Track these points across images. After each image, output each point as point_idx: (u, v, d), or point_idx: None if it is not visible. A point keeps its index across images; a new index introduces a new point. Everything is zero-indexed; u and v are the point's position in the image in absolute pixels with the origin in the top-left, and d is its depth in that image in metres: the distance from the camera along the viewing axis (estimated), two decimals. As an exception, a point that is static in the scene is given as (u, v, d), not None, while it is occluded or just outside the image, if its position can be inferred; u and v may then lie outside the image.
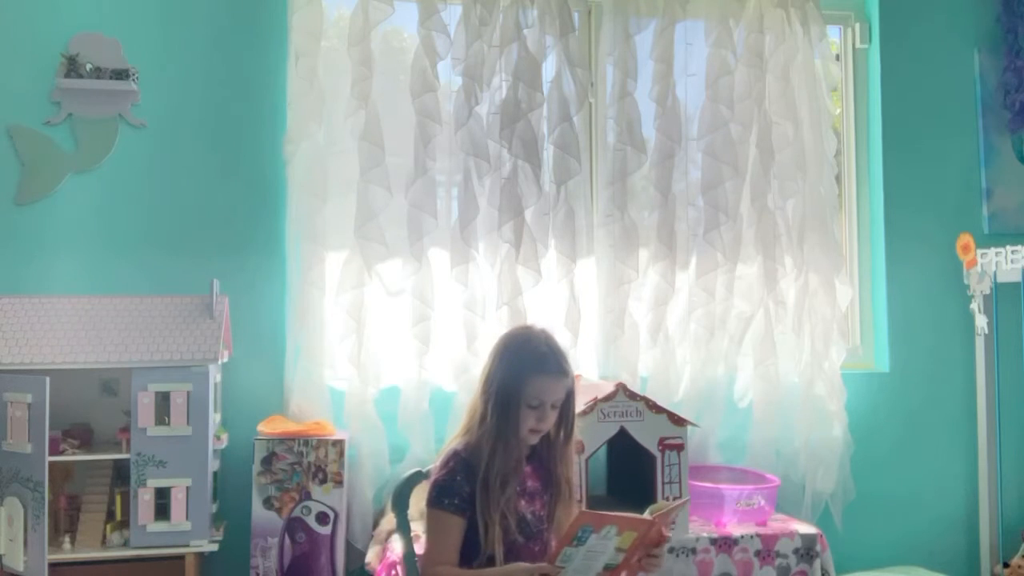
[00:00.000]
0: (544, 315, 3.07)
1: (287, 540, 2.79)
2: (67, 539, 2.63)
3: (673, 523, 2.05)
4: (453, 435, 2.19)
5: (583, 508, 2.34)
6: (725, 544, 2.77)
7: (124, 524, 2.66)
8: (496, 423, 2.05)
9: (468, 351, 3.04)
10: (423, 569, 2.08)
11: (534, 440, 2.12)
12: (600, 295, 3.24)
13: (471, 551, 2.05)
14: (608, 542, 1.88)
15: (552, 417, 2.11)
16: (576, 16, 3.26)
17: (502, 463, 2.05)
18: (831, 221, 3.36)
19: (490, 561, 2.03)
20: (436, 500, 2.06)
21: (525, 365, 2.07)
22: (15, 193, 2.94)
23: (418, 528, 2.60)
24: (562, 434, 2.17)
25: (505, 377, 2.07)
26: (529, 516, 2.10)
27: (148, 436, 2.61)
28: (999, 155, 3.62)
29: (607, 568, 1.91)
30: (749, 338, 3.28)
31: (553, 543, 2.11)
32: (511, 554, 2.04)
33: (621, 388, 2.74)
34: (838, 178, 3.52)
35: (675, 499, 2.69)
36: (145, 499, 2.60)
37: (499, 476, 2.04)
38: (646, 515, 1.94)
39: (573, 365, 2.19)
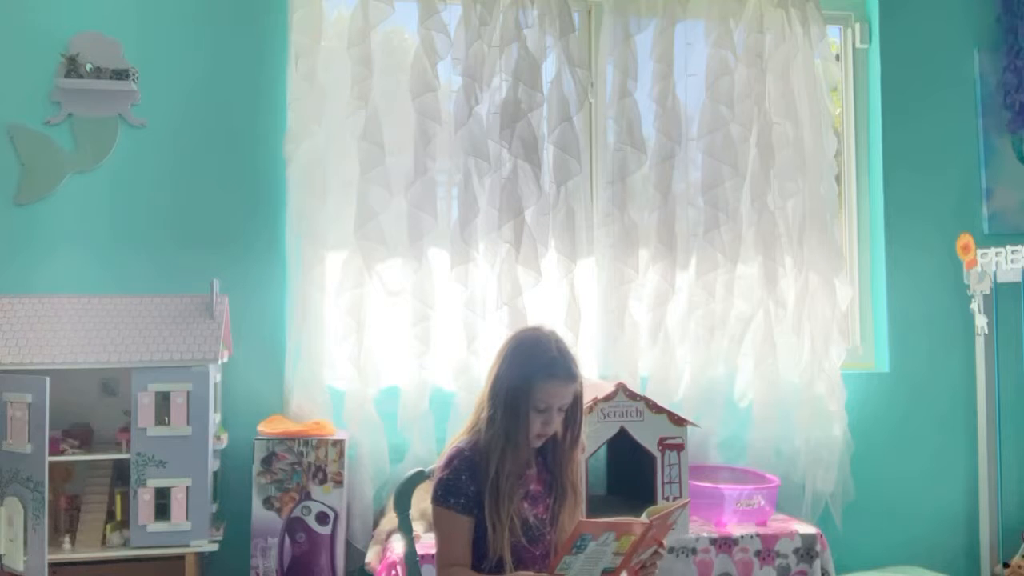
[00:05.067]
0: (544, 315, 3.07)
1: (287, 540, 2.79)
2: (67, 539, 2.63)
3: (672, 525, 2.05)
4: (457, 432, 2.17)
5: (583, 512, 2.34)
6: (725, 544, 2.77)
7: (124, 524, 2.66)
8: (505, 427, 2.04)
9: (468, 351, 3.05)
10: (438, 571, 2.07)
11: (538, 443, 2.11)
12: (600, 295, 3.24)
13: (476, 553, 2.05)
14: (607, 547, 1.88)
15: (557, 421, 2.09)
16: (576, 16, 3.25)
17: (512, 466, 2.04)
18: (831, 221, 3.36)
19: (499, 564, 2.02)
20: (442, 499, 2.05)
21: (535, 369, 2.04)
22: (15, 193, 2.95)
23: (419, 528, 2.60)
24: (568, 438, 2.14)
25: (514, 380, 2.05)
26: (532, 519, 2.09)
27: (148, 436, 2.61)
28: (999, 155, 3.62)
29: (605, 571, 1.92)
30: (749, 338, 3.29)
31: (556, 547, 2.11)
32: (513, 556, 2.03)
33: (621, 388, 2.74)
34: (838, 178, 3.52)
35: (675, 499, 2.70)
36: (145, 499, 2.60)
37: (508, 479, 2.03)
38: (643, 518, 1.94)
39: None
